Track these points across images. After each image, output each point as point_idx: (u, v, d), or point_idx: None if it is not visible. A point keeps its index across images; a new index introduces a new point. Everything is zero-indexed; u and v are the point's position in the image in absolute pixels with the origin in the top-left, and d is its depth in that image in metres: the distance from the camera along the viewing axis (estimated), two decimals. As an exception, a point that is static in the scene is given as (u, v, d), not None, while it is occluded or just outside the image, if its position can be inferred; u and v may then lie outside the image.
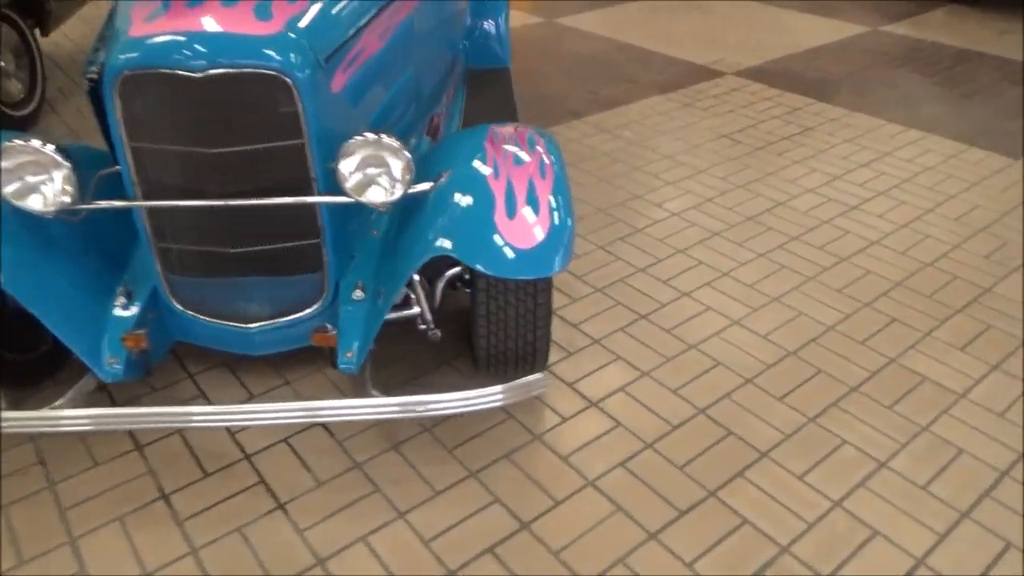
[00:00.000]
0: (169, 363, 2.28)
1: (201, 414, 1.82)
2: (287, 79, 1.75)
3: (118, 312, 1.99)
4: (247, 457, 1.98)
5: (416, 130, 2.74)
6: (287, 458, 1.98)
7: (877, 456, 1.98)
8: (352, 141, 1.76)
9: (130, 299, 2.03)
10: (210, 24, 1.76)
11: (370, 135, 1.76)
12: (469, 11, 3.85)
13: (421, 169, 1.93)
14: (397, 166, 1.80)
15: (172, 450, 2.01)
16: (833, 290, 2.62)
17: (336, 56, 1.92)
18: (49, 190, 1.79)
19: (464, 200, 1.83)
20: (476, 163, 1.90)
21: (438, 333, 2.09)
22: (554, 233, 1.78)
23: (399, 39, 2.35)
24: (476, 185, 1.85)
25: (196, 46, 1.71)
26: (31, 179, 1.77)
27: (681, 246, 2.86)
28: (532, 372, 2.19)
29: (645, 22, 5.61)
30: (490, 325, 1.96)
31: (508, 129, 2.05)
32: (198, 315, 2.07)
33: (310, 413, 1.81)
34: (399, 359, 2.30)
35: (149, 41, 1.72)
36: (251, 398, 2.17)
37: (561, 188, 1.87)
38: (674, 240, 2.90)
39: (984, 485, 1.91)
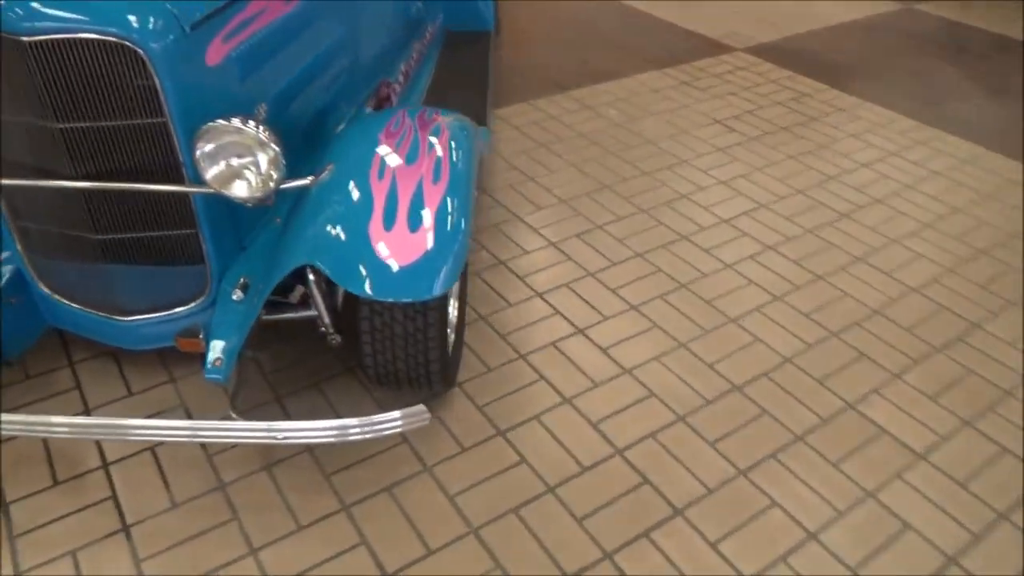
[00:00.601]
0: (52, 346, 2.09)
1: (60, 425, 1.61)
2: (138, 49, 1.49)
3: None
4: (105, 466, 1.79)
5: (354, 102, 2.48)
6: (148, 471, 1.78)
7: (807, 525, 1.73)
8: (208, 126, 1.51)
9: None
10: (53, -20, 1.50)
11: (232, 121, 1.51)
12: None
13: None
14: (263, 159, 1.55)
15: (26, 452, 1.82)
16: (799, 313, 2.33)
17: (210, 22, 1.64)
18: None
19: (339, 204, 1.58)
20: (362, 158, 1.65)
21: (338, 338, 1.86)
22: (437, 250, 1.53)
23: (318, 3, 2.07)
24: (355, 186, 1.60)
25: (22, 5, 1.46)
26: None
27: (640, 249, 2.58)
28: (429, 391, 1.98)
29: (660, -14, 5.21)
30: (375, 343, 1.72)
31: (415, 116, 1.79)
32: (68, 302, 1.87)
33: (157, 432, 1.60)
34: (298, 362, 2.08)
35: (-25, -9, 1.48)
36: (128, 396, 1.97)
37: (458, 193, 1.60)
38: (634, 241, 2.62)
39: (925, 570, 1.65)
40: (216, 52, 1.68)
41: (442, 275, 1.53)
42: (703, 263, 2.52)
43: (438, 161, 1.64)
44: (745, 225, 2.73)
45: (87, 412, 1.93)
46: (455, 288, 2.13)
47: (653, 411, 1.99)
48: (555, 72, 3.89)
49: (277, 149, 1.54)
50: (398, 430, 1.61)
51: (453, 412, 1.96)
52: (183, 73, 1.57)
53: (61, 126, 1.58)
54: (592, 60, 4.03)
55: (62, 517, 1.68)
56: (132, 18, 1.48)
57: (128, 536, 1.64)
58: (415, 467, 1.81)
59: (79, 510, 1.69)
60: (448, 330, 2.05)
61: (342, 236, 1.54)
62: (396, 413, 1.61)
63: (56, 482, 1.76)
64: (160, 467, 1.79)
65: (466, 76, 3.32)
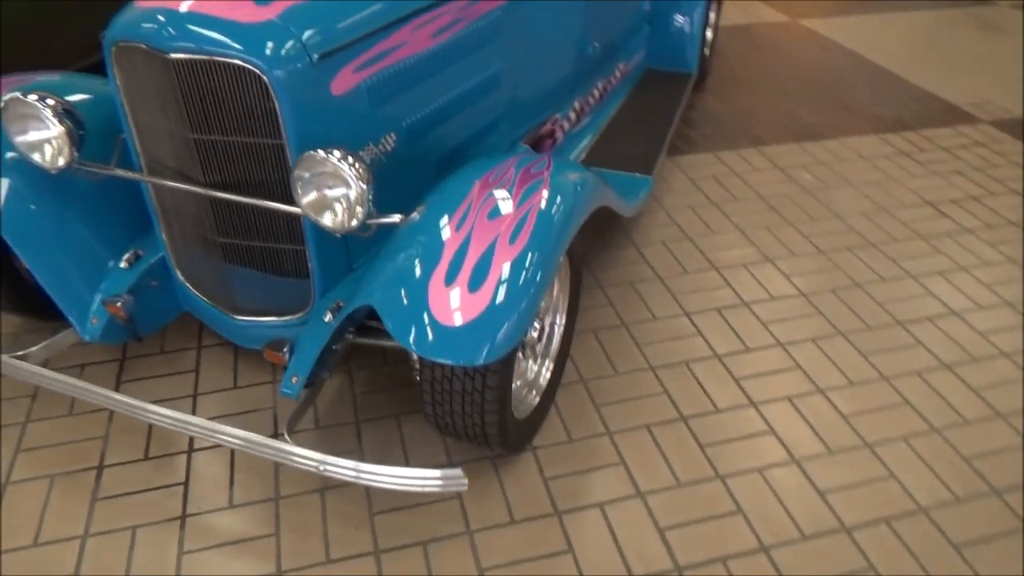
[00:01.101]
0: (191, 328, 2.29)
1: (122, 403, 1.76)
2: (262, 75, 1.57)
3: (120, 270, 2.00)
4: (189, 452, 1.92)
5: (508, 137, 2.45)
6: (221, 467, 1.88)
7: None
8: (306, 155, 1.55)
9: (136, 261, 2.03)
10: (205, 5, 1.63)
11: (327, 154, 1.53)
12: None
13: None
14: (352, 194, 1.56)
15: (130, 423, 2.00)
16: (961, 458, 1.94)
17: (341, 53, 1.69)
18: (49, 147, 1.81)
19: (414, 248, 1.55)
20: (448, 204, 1.60)
21: (418, 377, 1.84)
22: (491, 315, 1.44)
23: (471, 37, 2.06)
24: (432, 233, 1.55)
25: (171, 26, 1.59)
26: (34, 135, 1.79)
27: (785, 338, 2.29)
28: (491, 450, 1.89)
29: (912, 37, 4.66)
30: (434, 393, 1.67)
31: (521, 167, 1.71)
32: (196, 292, 2.03)
33: (213, 435, 1.67)
34: (388, 390, 2.10)
35: (138, 13, 1.64)
36: (232, 388, 2.10)
37: (533, 259, 1.50)
38: (780, 328, 2.33)
39: None
40: (344, 81, 1.73)
41: (493, 342, 1.44)
42: (856, 368, 2.19)
43: (522, 220, 1.55)
44: (923, 333, 2.33)
45: (195, 395, 2.09)
46: (547, 348, 2.03)
47: (741, 530, 1.74)
48: (756, 123, 3.60)
49: (364, 187, 1.55)
50: (432, 490, 1.56)
51: (516, 477, 1.86)
52: (304, 100, 1.63)
53: (195, 136, 1.70)
54: (803, 114, 3.69)
55: (139, 492, 1.82)
56: (260, 47, 1.56)
57: (183, 525, 1.74)
58: (458, 527, 1.74)
59: (154, 488, 1.83)
60: (530, 391, 1.96)
61: (405, 283, 1.50)
62: (435, 473, 1.56)
63: (147, 457, 1.91)
64: (233, 465, 1.88)
65: (649, 119, 3.19)
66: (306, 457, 1.60)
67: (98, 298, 1.97)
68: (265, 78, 1.57)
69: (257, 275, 1.91)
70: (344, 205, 1.58)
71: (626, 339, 2.28)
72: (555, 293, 2.04)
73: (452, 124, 2.13)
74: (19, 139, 1.80)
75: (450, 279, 1.47)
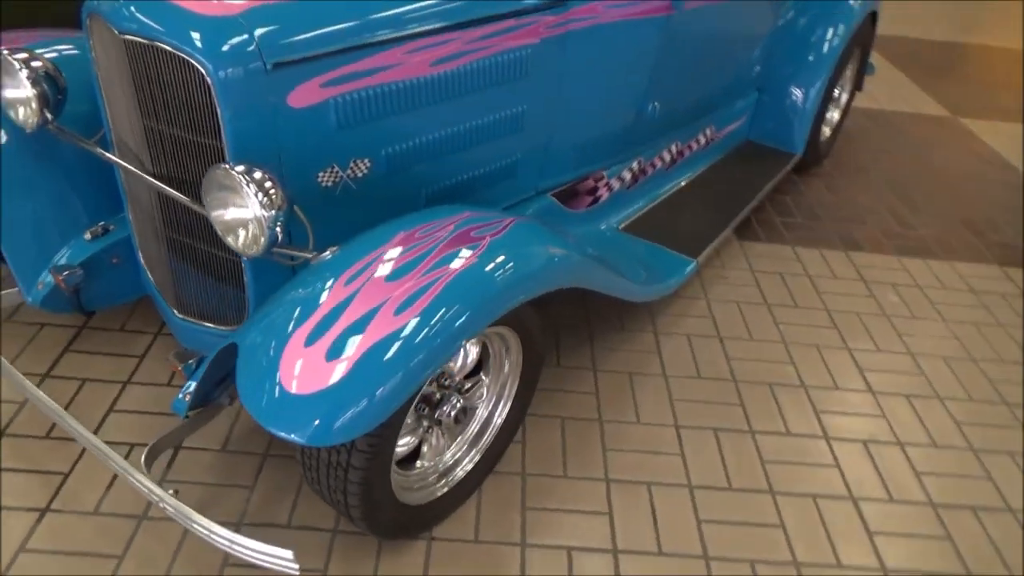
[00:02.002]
0: (151, 311, 2.23)
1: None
2: (203, 71, 1.44)
3: (82, 241, 1.96)
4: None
5: (531, 186, 2.23)
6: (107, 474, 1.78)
7: None
8: (214, 168, 1.40)
9: (102, 235, 1.98)
10: (168, -12, 1.53)
11: (233, 169, 1.38)
12: (759, 61, 3.06)
13: None
14: (252, 218, 1.40)
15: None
16: None
17: (306, 65, 1.54)
18: (22, 108, 1.78)
19: (297, 293, 1.36)
20: (356, 253, 1.40)
21: None
22: (338, 391, 1.22)
23: (486, 72, 1.86)
24: (321, 281, 1.36)
25: (128, 5, 1.50)
26: (10, 92, 1.77)
27: (752, 484, 1.92)
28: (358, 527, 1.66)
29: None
30: (304, 454, 1.48)
31: (463, 226, 1.48)
32: (150, 279, 1.95)
33: (76, 431, 1.55)
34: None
35: (109, -12, 1.56)
36: (166, 385, 2.01)
37: (415, 337, 1.27)
38: (777, 472, 1.95)
39: None
40: (306, 95, 1.57)
41: (331, 424, 1.22)
42: (836, 517, 1.79)
43: (421, 290, 1.32)
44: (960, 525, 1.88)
45: (126, 382, 2.00)
46: (478, 437, 1.79)
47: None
48: (857, 223, 3.16)
49: (268, 213, 1.38)
50: (259, 563, 1.36)
51: (395, 565, 1.62)
52: (250, 106, 1.49)
53: (144, 122, 1.61)
54: (917, 224, 3.20)
55: (19, 470, 1.75)
56: (208, 42, 1.44)
57: (40, 519, 1.65)
58: (305, 608, 1.54)
59: (35, 471, 1.75)
60: (439, 479, 1.72)
61: (271, 331, 1.32)
62: (261, 546, 1.36)
63: (48, 435, 1.84)
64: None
65: (725, 196, 2.85)
66: (144, 484, 1.45)
67: (52, 263, 1.94)
68: (207, 76, 1.44)
69: (197, 277, 1.80)
70: (248, 229, 1.43)
71: (594, 438, 1.99)
72: (501, 376, 1.79)
73: (451, 161, 1.94)
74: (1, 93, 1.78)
75: (311, 340, 1.27)
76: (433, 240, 1.43)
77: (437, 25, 1.72)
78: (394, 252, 1.40)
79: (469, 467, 1.76)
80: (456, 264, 1.39)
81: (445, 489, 1.70)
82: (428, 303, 1.31)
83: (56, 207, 1.96)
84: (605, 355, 2.28)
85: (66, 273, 1.89)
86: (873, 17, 3.49)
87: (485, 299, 1.38)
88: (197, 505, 1.69)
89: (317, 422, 1.22)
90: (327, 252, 1.45)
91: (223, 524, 1.37)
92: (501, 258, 1.45)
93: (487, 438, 1.79)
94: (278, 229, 1.41)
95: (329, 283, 1.34)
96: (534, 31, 1.94)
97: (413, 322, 1.29)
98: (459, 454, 1.76)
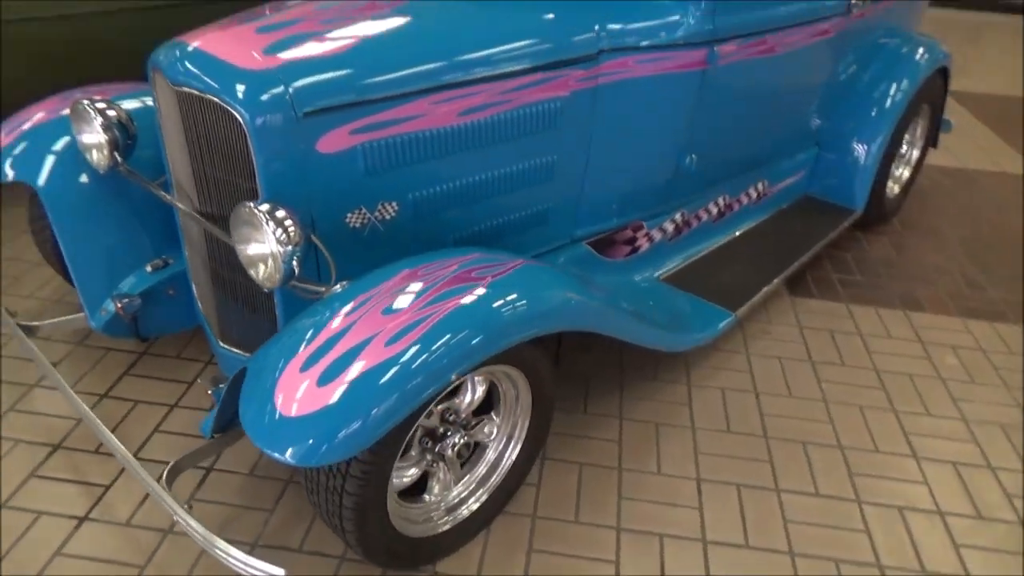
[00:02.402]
0: (203, 341, 2.38)
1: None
2: (240, 119, 1.59)
3: (143, 272, 2.14)
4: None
5: (565, 234, 2.28)
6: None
7: None
8: (241, 207, 1.53)
9: (162, 268, 2.16)
10: (215, 45, 1.69)
11: (255, 209, 1.50)
12: (816, 115, 3.02)
13: None
14: (270, 252, 1.51)
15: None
16: None
17: (336, 114, 1.67)
18: (96, 152, 1.98)
19: (303, 322, 1.45)
20: (362, 287, 1.48)
21: None
22: (325, 415, 1.29)
23: (515, 123, 1.94)
24: (326, 312, 1.44)
25: (181, 60, 1.67)
26: (87, 138, 1.98)
27: (777, 544, 1.84)
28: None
29: None
30: (307, 476, 1.55)
31: (465, 267, 1.54)
32: (200, 309, 2.11)
33: (135, 470, 1.68)
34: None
35: (168, 44, 1.75)
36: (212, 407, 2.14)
37: (405, 366, 1.33)
38: (801, 537, 1.88)
39: None
40: (335, 141, 1.70)
41: (317, 446, 1.29)
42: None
43: (414, 324, 1.38)
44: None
45: (173, 405, 2.15)
46: (487, 477, 1.82)
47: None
48: (922, 284, 3.03)
49: (284, 248, 1.49)
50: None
51: (395, 599, 1.66)
52: (282, 151, 1.62)
53: (194, 165, 1.78)
54: (988, 287, 3.04)
55: (65, 480, 1.90)
56: (246, 93, 1.59)
57: (78, 526, 1.78)
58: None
59: (78, 482, 1.90)
60: (443, 515, 1.75)
61: (276, 355, 1.41)
62: (253, 561, 1.43)
63: (96, 451, 1.99)
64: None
65: (771, 249, 2.82)
66: (164, 499, 1.55)
67: (113, 293, 2.12)
68: (244, 124, 1.59)
69: (238, 308, 1.94)
70: (269, 262, 1.54)
71: (610, 485, 1.98)
72: (511, 417, 1.82)
73: (478, 207, 2.02)
74: (78, 138, 2.00)
75: (307, 366, 1.35)
76: (434, 278, 1.50)
77: (464, 77, 1.82)
78: (396, 287, 1.47)
79: (475, 506, 1.79)
80: (452, 301, 1.45)
81: (449, 525, 1.73)
82: (420, 335, 1.37)
83: (122, 241, 2.15)
84: (633, 404, 2.27)
85: (126, 301, 2.07)
86: (944, 73, 3.40)
87: (477, 335, 1.43)
88: (219, 524, 1.80)
89: (309, 443, 1.29)
90: (337, 286, 1.54)
91: (239, 544, 1.46)
92: (499, 297, 1.51)
93: (496, 478, 1.82)
94: (294, 263, 1.52)
95: (332, 314, 1.43)
96: (564, 84, 2.02)
97: (402, 353, 1.35)
98: (466, 492, 1.80)
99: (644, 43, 2.10)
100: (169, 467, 1.64)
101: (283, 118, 1.60)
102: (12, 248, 2.90)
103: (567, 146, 2.11)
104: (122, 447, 1.68)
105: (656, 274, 2.57)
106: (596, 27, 2.03)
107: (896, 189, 3.52)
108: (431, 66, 1.77)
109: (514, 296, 1.53)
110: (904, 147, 3.50)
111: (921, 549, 1.87)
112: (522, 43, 1.92)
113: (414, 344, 1.36)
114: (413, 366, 1.34)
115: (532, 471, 2.00)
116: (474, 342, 1.43)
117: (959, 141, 4.63)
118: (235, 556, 1.43)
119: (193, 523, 1.50)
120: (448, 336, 1.39)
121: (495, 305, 1.49)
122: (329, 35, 1.79)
